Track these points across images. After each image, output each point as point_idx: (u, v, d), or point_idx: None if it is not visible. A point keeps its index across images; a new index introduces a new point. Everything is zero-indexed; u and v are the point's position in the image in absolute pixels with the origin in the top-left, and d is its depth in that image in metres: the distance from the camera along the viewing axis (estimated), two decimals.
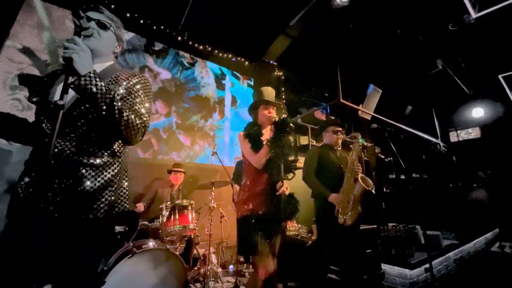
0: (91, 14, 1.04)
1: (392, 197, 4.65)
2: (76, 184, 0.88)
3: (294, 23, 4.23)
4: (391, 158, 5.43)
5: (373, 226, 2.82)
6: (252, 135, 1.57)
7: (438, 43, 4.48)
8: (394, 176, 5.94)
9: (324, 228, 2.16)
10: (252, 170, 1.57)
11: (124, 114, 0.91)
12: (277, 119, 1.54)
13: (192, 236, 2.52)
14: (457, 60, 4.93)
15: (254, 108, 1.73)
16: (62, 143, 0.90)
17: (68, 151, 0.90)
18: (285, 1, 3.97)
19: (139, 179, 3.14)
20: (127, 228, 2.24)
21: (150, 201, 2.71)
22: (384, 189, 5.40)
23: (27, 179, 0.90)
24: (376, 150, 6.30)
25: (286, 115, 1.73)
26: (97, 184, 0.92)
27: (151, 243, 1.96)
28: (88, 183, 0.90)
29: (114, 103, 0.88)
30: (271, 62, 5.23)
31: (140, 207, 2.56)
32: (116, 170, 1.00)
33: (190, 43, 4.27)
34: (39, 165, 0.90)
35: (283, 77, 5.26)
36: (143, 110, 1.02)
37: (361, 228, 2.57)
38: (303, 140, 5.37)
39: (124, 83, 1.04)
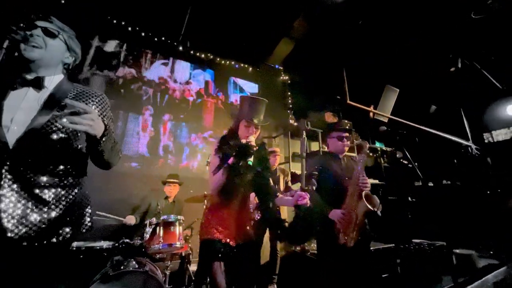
0: (38, 22, 0.97)
1: (417, 209, 4.13)
2: (40, 209, 0.85)
3: (297, 25, 4.05)
4: (416, 164, 4.92)
5: (391, 245, 2.42)
6: (223, 147, 1.37)
7: (460, 35, 4.02)
8: (420, 184, 5.37)
9: (323, 249, 1.84)
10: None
11: (117, 152, 1.04)
12: (244, 141, 1.34)
13: (184, 254, 2.33)
14: (484, 53, 4.39)
15: (238, 117, 1.53)
16: (20, 164, 0.83)
17: (29, 174, 0.84)
18: (285, 3, 3.83)
19: (137, 190, 3.05)
20: (115, 244, 2.11)
21: (142, 214, 2.58)
22: (409, 199, 4.87)
23: None
24: (398, 155, 5.77)
25: (265, 140, 1.54)
26: (63, 205, 0.90)
27: (131, 263, 1.79)
28: (53, 207, 0.87)
29: (117, 148, 1.03)
30: (276, 66, 5.07)
31: (131, 220, 2.42)
32: (81, 189, 1.00)
33: (192, 52, 4.25)
34: None
35: (289, 81, 5.06)
36: (114, 132, 1.07)
37: (375, 247, 2.21)
38: (314, 146, 5.07)
39: (96, 106, 1.02)
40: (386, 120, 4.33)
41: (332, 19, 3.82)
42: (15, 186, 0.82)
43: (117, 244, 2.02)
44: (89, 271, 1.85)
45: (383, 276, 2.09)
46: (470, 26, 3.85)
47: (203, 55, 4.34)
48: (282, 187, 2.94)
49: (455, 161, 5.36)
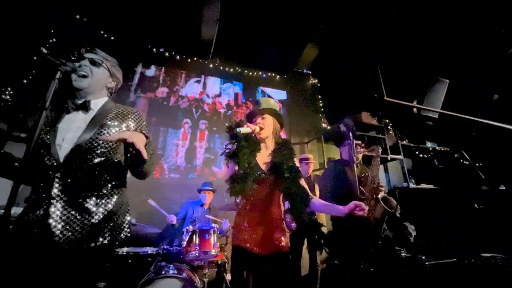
0: (86, 54, 1.15)
1: (485, 217, 3.46)
2: (84, 216, 0.95)
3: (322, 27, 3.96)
4: (481, 164, 4.18)
5: (452, 259, 2.05)
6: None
7: None
8: (488, 188, 4.52)
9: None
10: None
11: (153, 164, 1.12)
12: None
13: (220, 262, 2.36)
14: None
15: (249, 119, 1.49)
16: (67, 176, 0.96)
17: (75, 184, 0.96)
18: (306, 9, 3.80)
19: (176, 199, 3.26)
20: (158, 250, 2.27)
21: (181, 221, 2.73)
22: (476, 206, 4.12)
23: (32, 215, 0.93)
24: (456, 155, 5.01)
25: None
26: (104, 213, 0.99)
27: (171, 269, 1.89)
28: (94, 215, 0.97)
29: (152, 158, 1.10)
30: (304, 71, 5.00)
31: (172, 218, 2.62)
32: (120, 198, 1.08)
33: (221, 68, 4.49)
34: (47, 200, 0.94)
35: (318, 84, 4.91)
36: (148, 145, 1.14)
37: (431, 262, 1.91)
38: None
39: (134, 123, 1.14)
40: (436, 116, 3.83)
41: (358, 15, 3.62)
42: (62, 195, 0.94)
43: (159, 250, 2.17)
44: (137, 274, 2.03)
45: None
46: None
47: (231, 69, 4.54)
48: (317, 195, 2.81)
49: None
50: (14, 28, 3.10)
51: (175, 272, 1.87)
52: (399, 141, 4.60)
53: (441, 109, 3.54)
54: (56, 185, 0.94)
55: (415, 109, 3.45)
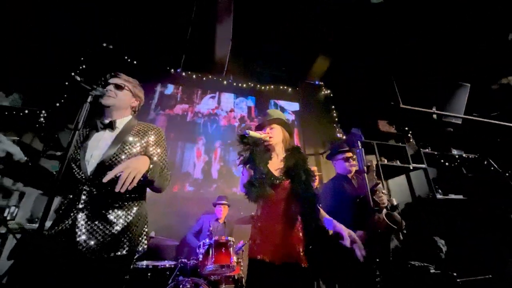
0: (111, 80, 1.29)
1: None
2: (105, 227, 1.02)
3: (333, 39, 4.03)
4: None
5: (486, 276, 1.87)
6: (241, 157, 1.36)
7: None
8: None
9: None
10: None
11: (166, 179, 1.15)
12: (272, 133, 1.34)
13: (237, 277, 2.33)
14: None
15: (258, 130, 1.50)
16: (92, 190, 1.05)
17: (99, 197, 1.05)
18: (317, 22, 3.90)
19: (193, 212, 3.32)
20: (176, 264, 2.30)
21: (196, 234, 2.76)
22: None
23: (61, 225, 1.03)
24: (485, 162, 4.67)
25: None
26: (124, 224, 1.06)
27: (188, 284, 1.90)
28: (115, 225, 1.04)
29: (165, 173, 1.14)
30: (316, 82, 5.04)
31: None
32: (140, 210, 1.15)
33: (234, 84, 4.67)
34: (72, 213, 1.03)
35: (331, 94, 4.91)
36: (166, 159, 1.22)
37: (463, 279, 1.75)
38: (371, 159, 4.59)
39: (153, 138, 1.23)
40: (459, 121, 3.66)
41: (367, 20, 3.63)
42: (88, 207, 1.03)
43: (177, 264, 2.20)
44: (155, 287, 2.06)
45: None
46: None
47: (244, 85, 4.70)
48: None
49: None
50: (47, 60, 3.50)
51: (192, 285, 1.88)
52: (421, 149, 4.39)
53: (464, 114, 3.38)
54: (83, 197, 1.03)
55: (434, 116, 3.32)
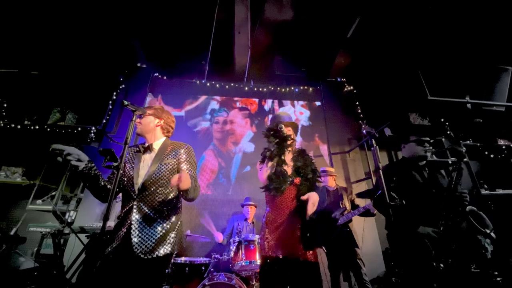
0: (135, 113, 1.46)
1: None
2: (152, 232, 1.24)
3: (351, 34, 3.96)
4: None
5: None
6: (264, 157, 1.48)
7: None
8: None
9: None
10: (270, 200, 1.42)
11: (197, 188, 1.28)
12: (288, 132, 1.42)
13: None
14: None
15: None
16: (141, 202, 1.29)
17: (146, 208, 1.28)
18: (336, 17, 3.87)
19: (224, 213, 3.54)
20: (210, 260, 2.50)
21: (229, 235, 2.94)
22: None
23: (119, 232, 1.27)
24: None
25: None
26: (166, 229, 1.27)
27: (222, 277, 2.07)
28: (159, 231, 1.25)
29: (197, 185, 1.27)
30: (338, 79, 4.96)
31: (219, 236, 2.84)
32: (177, 217, 1.34)
33: (255, 89, 4.83)
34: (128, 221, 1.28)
35: (354, 91, 4.78)
36: (195, 173, 1.39)
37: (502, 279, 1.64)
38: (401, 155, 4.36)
39: (184, 155, 1.42)
40: (501, 109, 3.34)
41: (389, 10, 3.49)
42: (138, 215, 1.25)
43: (210, 260, 2.40)
44: (192, 280, 2.28)
45: None
46: None
47: (265, 89, 4.83)
48: (348, 205, 2.76)
49: None
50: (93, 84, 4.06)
51: (226, 279, 2.04)
52: (461, 141, 4.05)
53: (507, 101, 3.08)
54: (134, 209, 1.27)
55: (469, 105, 3.10)
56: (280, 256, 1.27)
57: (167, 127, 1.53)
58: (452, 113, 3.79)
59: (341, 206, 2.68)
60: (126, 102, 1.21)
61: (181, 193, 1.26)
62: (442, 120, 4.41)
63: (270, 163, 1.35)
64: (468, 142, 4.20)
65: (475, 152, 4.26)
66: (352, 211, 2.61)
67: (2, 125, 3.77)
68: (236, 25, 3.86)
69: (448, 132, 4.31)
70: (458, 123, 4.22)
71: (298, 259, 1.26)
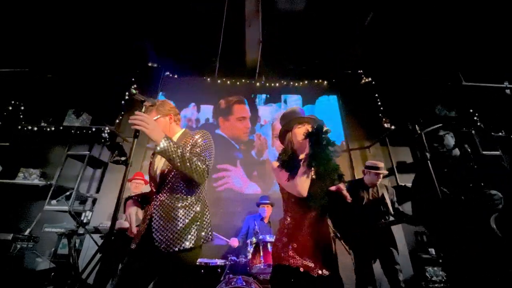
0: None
1: None
2: (173, 224, 1.17)
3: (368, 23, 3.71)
4: None
5: None
6: (288, 160, 1.26)
7: None
8: None
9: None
10: (293, 205, 1.24)
11: (193, 162, 1.15)
12: (310, 129, 1.15)
13: None
14: None
15: (286, 131, 1.36)
16: (161, 195, 1.24)
17: (166, 201, 1.22)
18: (352, 3, 3.64)
19: (239, 212, 3.42)
20: (226, 262, 2.37)
21: (245, 237, 2.79)
22: None
23: (141, 227, 1.26)
24: None
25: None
26: (186, 221, 1.19)
27: (239, 281, 1.93)
28: (179, 223, 1.18)
29: (192, 164, 1.14)
30: (355, 71, 4.70)
31: (234, 242, 2.63)
32: (199, 208, 1.26)
33: (267, 84, 4.67)
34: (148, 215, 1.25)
35: (373, 82, 4.50)
36: (205, 155, 1.26)
37: None
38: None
39: (198, 140, 1.32)
40: None
41: None
42: (158, 210, 1.21)
43: (227, 262, 2.27)
44: (208, 283, 2.17)
45: None
46: None
47: (277, 84, 4.67)
48: (390, 208, 2.43)
49: None
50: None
51: (244, 284, 1.90)
52: (492, 133, 3.68)
53: None
54: (154, 203, 1.24)
55: (508, 90, 2.78)
56: (301, 270, 1.10)
57: (176, 117, 1.44)
58: (484, 102, 3.45)
59: (382, 209, 2.38)
60: (134, 91, 1.10)
61: (193, 175, 1.15)
62: (471, 110, 4.06)
63: (303, 170, 1.12)
64: (500, 134, 3.83)
65: (509, 144, 3.87)
66: (393, 219, 2.30)
67: (19, 127, 3.85)
68: (246, 18, 3.72)
69: (478, 124, 3.96)
70: (489, 113, 3.86)
71: (322, 276, 1.10)
